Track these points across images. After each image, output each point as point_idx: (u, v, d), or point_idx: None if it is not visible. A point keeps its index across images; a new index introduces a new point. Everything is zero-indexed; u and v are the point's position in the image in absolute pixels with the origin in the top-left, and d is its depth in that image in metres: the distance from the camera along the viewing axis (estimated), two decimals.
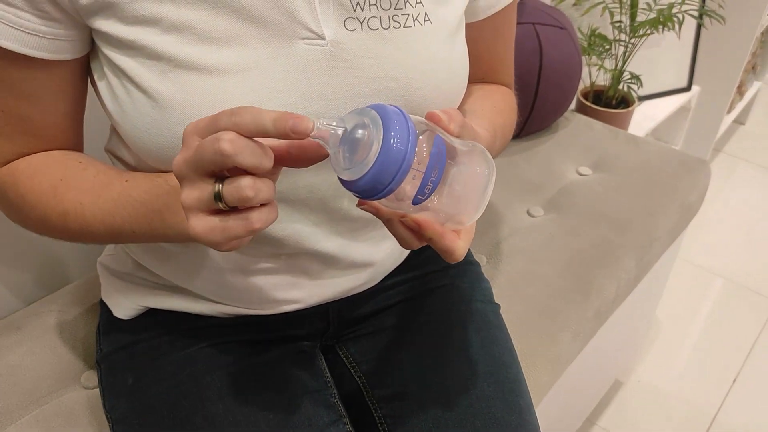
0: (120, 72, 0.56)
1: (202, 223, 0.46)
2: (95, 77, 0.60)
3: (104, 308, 0.79)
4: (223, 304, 0.72)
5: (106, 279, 0.79)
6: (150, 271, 0.74)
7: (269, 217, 0.46)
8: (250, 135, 0.44)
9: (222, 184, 0.45)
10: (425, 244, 0.52)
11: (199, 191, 0.46)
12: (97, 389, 0.82)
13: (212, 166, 0.44)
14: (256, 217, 0.46)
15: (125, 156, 0.67)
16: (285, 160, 0.49)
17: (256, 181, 0.44)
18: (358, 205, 0.51)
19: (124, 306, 0.76)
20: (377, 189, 0.45)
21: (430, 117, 0.50)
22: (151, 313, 0.75)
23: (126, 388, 0.71)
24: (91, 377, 0.83)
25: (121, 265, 0.77)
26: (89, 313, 0.92)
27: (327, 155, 0.48)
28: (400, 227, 0.52)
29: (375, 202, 0.49)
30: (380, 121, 0.44)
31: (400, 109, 0.46)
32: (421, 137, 0.46)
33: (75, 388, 0.83)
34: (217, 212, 0.46)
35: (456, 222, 0.51)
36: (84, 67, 0.62)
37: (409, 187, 0.46)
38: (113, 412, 0.72)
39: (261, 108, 0.45)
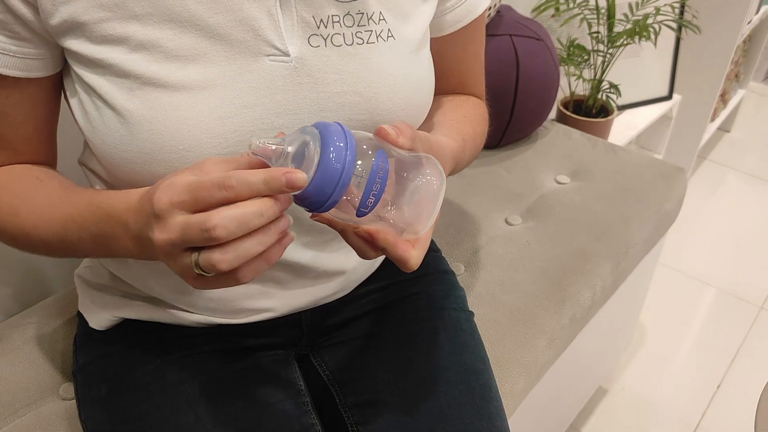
0: (90, 89, 0.58)
1: (193, 283, 0.49)
2: (68, 94, 0.62)
3: (81, 320, 0.80)
4: (195, 313, 0.73)
5: (82, 290, 0.80)
6: (125, 282, 0.75)
7: (249, 274, 0.48)
8: (241, 200, 0.46)
9: (198, 255, 0.47)
10: (381, 254, 0.54)
11: (183, 264, 0.48)
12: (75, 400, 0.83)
13: (199, 244, 0.47)
14: (240, 275, 0.48)
15: (97, 168, 0.69)
16: None
17: (226, 253, 0.46)
18: (312, 217, 0.53)
19: (100, 317, 0.77)
20: (319, 202, 0.47)
21: (378, 132, 0.51)
22: (125, 324, 0.76)
23: (100, 399, 0.72)
24: (69, 388, 0.84)
25: (97, 276, 0.78)
26: (68, 325, 0.93)
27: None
28: (354, 238, 0.53)
29: (326, 215, 0.51)
30: (320, 138, 0.47)
31: (341, 126, 0.48)
32: (364, 153, 0.48)
33: (53, 399, 0.84)
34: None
35: (411, 232, 0.53)
36: (57, 84, 0.63)
37: (351, 200, 0.48)
38: (88, 422, 0.73)
39: (245, 171, 0.46)
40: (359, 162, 0.48)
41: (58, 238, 0.61)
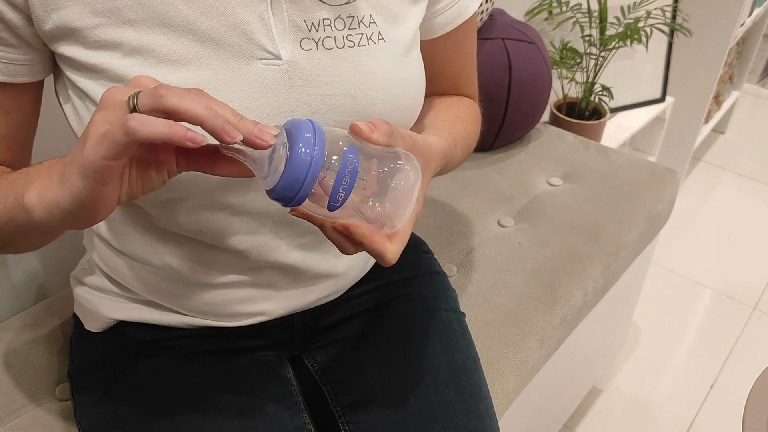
0: (83, 95, 0.59)
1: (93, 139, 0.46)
2: (61, 100, 0.63)
3: (77, 321, 0.81)
4: (190, 316, 0.74)
5: (78, 292, 0.81)
6: (120, 284, 0.76)
7: (148, 120, 0.44)
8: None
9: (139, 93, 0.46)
10: (361, 249, 0.54)
11: (117, 102, 0.47)
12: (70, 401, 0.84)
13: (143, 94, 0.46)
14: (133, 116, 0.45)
15: None
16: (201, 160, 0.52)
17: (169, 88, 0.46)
18: (290, 212, 0.53)
19: (95, 319, 0.78)
20: (290, 196, 0.48)
21: (352, 129, 0.52)
22: (120, 326, 0.77)
23: (95, 400, 0.73)
24: (65, 389, 0.85)
25: (93, 278, 0.79)
26: (64, 326, 0.94)
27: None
28: (332, 232, 0.54)
29: (302, 209, 0.52)
30: (290, 134, 0.48)
31: (312, 122, 0.49)
32: (335, 148, 0.49)
33: (50, 400, 0.85)
34: None
35: (389, 226, 0.53)
36: (38, 91, 0.64)
37: (323, 194, 0.49)
38: (83, 423, 0.74)
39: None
40: (333, 157, 0.49)
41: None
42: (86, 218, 0.50)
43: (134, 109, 0.46)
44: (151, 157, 0.51)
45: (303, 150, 0.47)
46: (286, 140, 0.48)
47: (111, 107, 0.47)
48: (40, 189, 0.51)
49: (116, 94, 0.47)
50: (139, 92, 0.46)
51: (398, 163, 0.52)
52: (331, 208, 0.50)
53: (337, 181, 0.49)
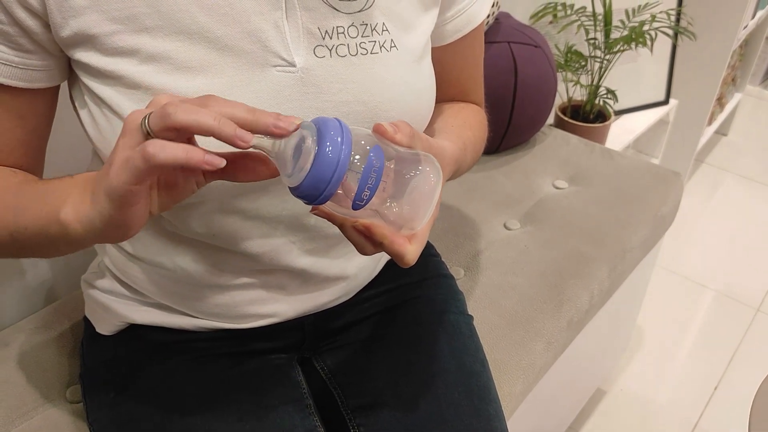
0: (100, 101, 0.59)
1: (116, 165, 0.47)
2: (76, 105, 0.63)
3: (88, 324, 0.82)
4: (201, 318, 0.75)
5: (89, 296, 0.81)
6: (131, 287, 0.76)
7: (166, 145, 0.45)
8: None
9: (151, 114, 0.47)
10: (380, 249, 0.55)
11: (133, 128, 0.47)
12: (82, 403, 0.84)
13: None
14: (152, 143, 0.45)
15: None
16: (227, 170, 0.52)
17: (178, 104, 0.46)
18: (312, 210, 0.54)
19: (107, 322, 0.78)
20: (315, 194, 0.49)
21: (376, 129, 0.52)
22: (132, 329, 0.78)
23: (108, 402, 0.74)
24: (76, 392, 0.86)
25: (104, 282, 0.79)
26: (75, 329, 0.95)
27: (273, 173, 0.53)
28: (353, 232, 0.55)
29: (325, 208, 0.52)
30: (317, 132, 0.48)
31: (339, 121, 0.49)
32: (360, 148, 0.49)
33: (60, 402, 0.85)
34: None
35: (409, 227, 0.54)
36: (54, 97, 0.64)
37: (347, 193, 0.50)
38: (95, 425, 0.75)
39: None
40: (356, 156, 0.49)
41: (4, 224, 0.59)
42: (119, 235, 0.52)
43: (147, 132, 0.47)
44: (178, 173, 0.52)
45: (330, 149, 0.47)
46: (313, 137, 0.48)
47: (130, 132, 0.48)
48: (76, 205, 0.53)
49: (137, 117, 0.48)
50: (150, 114, 0.47)
51: (420, 165, 0.53)
52: (355, 207, 0.50)
53: (362, 181, 0.49)
